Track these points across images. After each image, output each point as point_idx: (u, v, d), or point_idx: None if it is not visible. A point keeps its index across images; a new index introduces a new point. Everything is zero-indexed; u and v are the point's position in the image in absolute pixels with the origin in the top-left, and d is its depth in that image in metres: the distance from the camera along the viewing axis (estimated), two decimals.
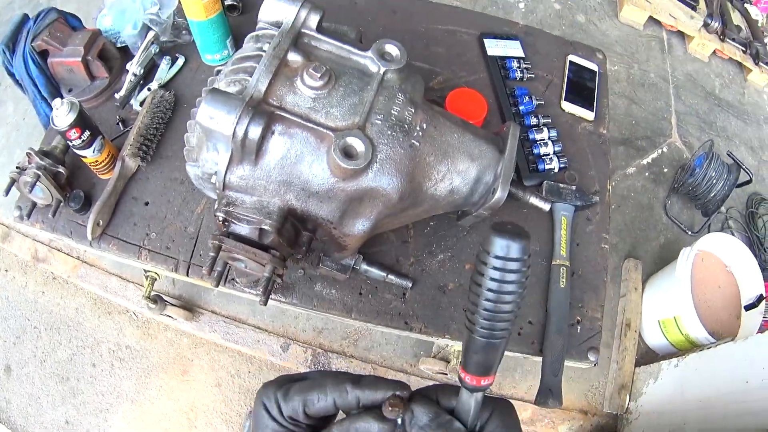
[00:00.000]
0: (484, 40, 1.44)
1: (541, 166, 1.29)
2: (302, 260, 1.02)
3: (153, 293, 1.71)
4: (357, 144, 0.84)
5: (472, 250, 1.22)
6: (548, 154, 1.31)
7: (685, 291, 1.83)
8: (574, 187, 1.27)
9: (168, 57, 1.38)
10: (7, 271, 2.18)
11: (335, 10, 1.46)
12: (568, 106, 1.41)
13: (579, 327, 1.19)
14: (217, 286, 0.97)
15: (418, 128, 0.93)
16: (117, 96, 1.31)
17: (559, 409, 1.97)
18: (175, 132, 1.29)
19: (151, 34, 1.35)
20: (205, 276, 0.94)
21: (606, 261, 1.27)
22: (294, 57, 0.90)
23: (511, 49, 1.44)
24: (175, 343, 2.08)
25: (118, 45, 1.40)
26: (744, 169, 2.12)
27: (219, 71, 1.05)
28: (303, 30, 0.95)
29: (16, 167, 1.16)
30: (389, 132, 0.88)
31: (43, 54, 1.32)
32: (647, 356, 2.09)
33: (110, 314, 2.11)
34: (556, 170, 1.30)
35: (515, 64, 1.41)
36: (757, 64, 2.84)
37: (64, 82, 1.36)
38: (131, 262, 1.21)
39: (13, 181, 1.17)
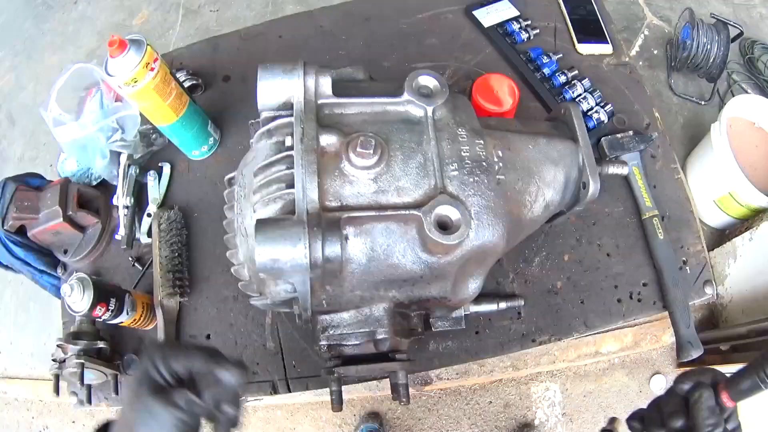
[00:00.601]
0: (473, 12, 1.20)
1: (591, 124, 1.07)
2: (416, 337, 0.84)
3: None
4: (449, 211, 0.63)
5: (564, 240, 1.02)
6: (592, 108, 1.09)
7: (732, 165, 1.65)
8: (630, 132, 1.07)
9: (152, 171, 1.15)
10: (74, 422, 1.99)
11: (303, 40, 1.25)
12: (584, 48, 1.17)
13: (687, 267, 1.02)
14: (340, 409, 0.79)
15: (495, 159, 0.72)
16: (118, 237, 1.11)
17: (656, 321, 1.83)
18: (200, 249, 1.09)
19: (124, 158, 1.12)
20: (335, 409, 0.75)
21: (686, 191, 1.08)
22: (327, 139, 0.67)
23: (504, 11, 1.19)
24: (271, 420, 1.89)
25: (94, 183, 1.18)
26: (732, 24, 1.91)
27: (231, 179, 0.84)
28: (320, 101, 0.72)
29: (53, 360, 0.99)
30: (471, 179, 0.68)
31: (21, 229, 1.10)
32: (715, 237, 1.90)
33: None
34: (606, 121, 1.08)
35: (516, 26, 1.17)
36: None
37: (54, 246, 1.14)
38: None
39: (57, 378, 1.00)
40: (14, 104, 2.62)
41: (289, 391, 0.97)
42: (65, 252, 1.14)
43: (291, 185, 0.65)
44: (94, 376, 1.00)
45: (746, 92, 2.04)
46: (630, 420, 0.68)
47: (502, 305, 0.95)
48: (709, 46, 1.89)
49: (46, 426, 2.05)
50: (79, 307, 0.90)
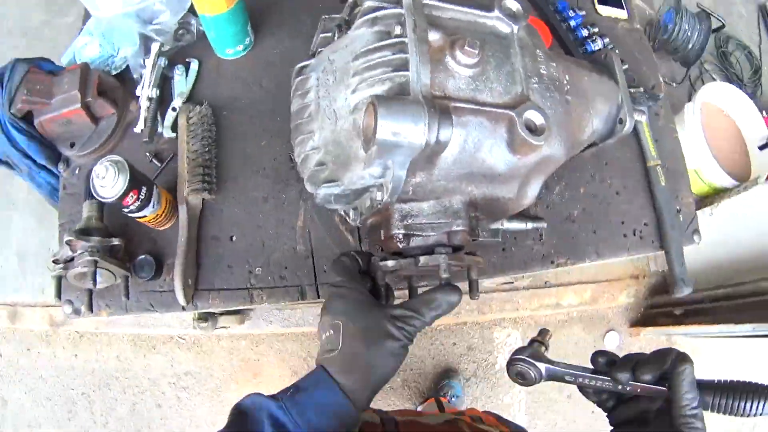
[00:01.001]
0: None
1: None
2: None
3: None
4: (536, 117, 0.74)
5: (581, 174, 1.19)
6: None
7: (701, 144, 1.91)
8: (642, 89, 1.27)
9: (180, 66, 1.17)
10: (29, 349, 1.98)
11: None
12: (603, 9, 1.34)
13: (680, 215, 1.23)
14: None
15: (565, 82, 0.84)
16: (136, 130, 1.12)
17: (614, 281, 2.10)
18: (228, 148, 1.13)
19: (156, 47, 1.13)
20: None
21: (681, 148, 1.28)
22: (433, 35, 0.76)
23: None
24: (234, 350, 1.97)
25: (114, 72, 1.18)
26: (715, 17, 2.19)
27: (303, 68, 0.93)
28: (425, 0, 0.80)
29: (54, 261, 0.96)
30: (548, 94, 0.80)
31: (27, 116, 1.07)
32: None
33: (155, 348, 1.97)
34: None
35: None
36: None
37: (61, 138, 1.12)
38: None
39: (60, 280, 0.99)
40: None
41: (318, 297, 1.05)
42: (72, 145, 1.11)
43: (399, 69, 0.73)
44: (102, 278, 0.97)
45: (715, 81, 2.35)
46: (597, 355, 0.71)
47: (530, 225, 1.10)
48: (689, 33, 2.15)
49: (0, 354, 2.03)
50: (111, 192, 0.88)
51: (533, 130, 0.76)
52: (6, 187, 2.07)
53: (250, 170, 1.12)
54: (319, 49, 0.96)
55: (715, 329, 1.75)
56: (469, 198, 0.82)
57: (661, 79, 1.32)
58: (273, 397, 0.65)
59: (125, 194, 0.89)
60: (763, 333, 1.63)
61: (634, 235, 1.18)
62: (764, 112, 2.15)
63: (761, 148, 2.02)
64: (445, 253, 0.80)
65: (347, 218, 0.96)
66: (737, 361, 1.96)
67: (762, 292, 1.72)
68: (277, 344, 1.97)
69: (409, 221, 0.81)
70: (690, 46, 2.19)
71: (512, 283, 1.86)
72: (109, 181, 0.87)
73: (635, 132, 1.24)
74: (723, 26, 2.24)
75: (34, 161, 1.13)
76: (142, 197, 0.93)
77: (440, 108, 0.71)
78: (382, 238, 0.83)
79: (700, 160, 1.94)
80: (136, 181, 0.91)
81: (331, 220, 1.09)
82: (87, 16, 1.25)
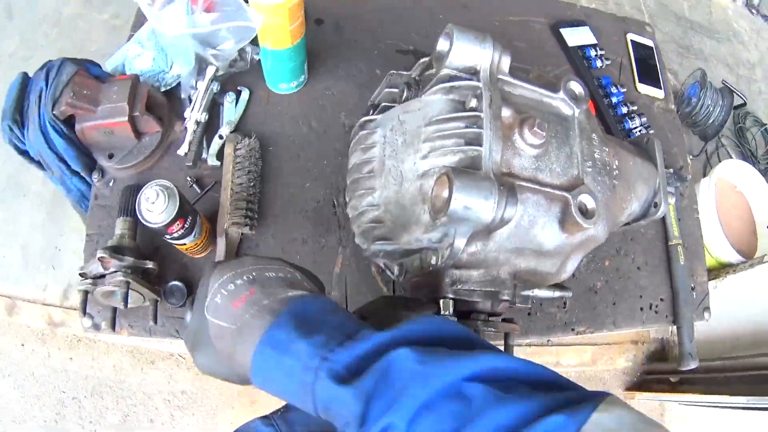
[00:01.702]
0: (561, 30, 1.40)
1: None
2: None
3: None
4: (588, 201, 0.81)
5: (607, 247, 1.25)
6: None
7: (713, 220, 1.99)
8: (671, 170, 1.30)
9: (231, 93, 1.18)
10: (23, 345, 1.93)
11: (402, 9, 1.37)
12: (643, 88, 1.41)
13: (694, 293, 1.29)
14: None
15: (614, 166, 0.91)
16: (180, 152, 1.12)
17: (614, 344, 2.16)
18: (273, 184, 1.14)
19: (211, 71, 1.14)
20: None
21: (701, 229, 1.35)
22: (505, 112, 0.81)
23: (585, 35, 1.41)
24: None
25: (163, 89, 1.18)
26: (738, 94, 2.29)
27: (369, 121, 0.95)
28: (499, 76, 0.86)
29: (81, 274, 0.94)
30: (599, 178, 0.86)
31: (68, 119, 1.05)
32: None
33: (153, 363, 1.94)
34: None
35: (593, 53, 1.38)
36: None
37: (99, 147, 1.09)
38: None
39: (86, 295, 0.96)
40: None
41: None
42: (110, 156, 1.09)
43: (471, 143, 0.78)
44: (131, 299, 0.95)
45: (731, 157, 2.44)
46: None
47: (557, 293, 1.15)
48: (711, 108, 2.25)
49: None
50: (158, 218, 0.87)
51: (584, 212, 0.82)
52: (20, 176, 2.05)
53: (291, 210, 1.13)
54: (383, 104, 1.00)
55: (709, 399, 1.81)
56: (515, 270, 0.87)
57: (689, 161, 1.39)
58: (265, 417, 0.69)
59: (172, 222, 0.88)
60: (755, 406, 1.69)
61: (650, 309, 1.24)
62: None
63: None
64: (482, 320, 0.86)
65: (387, 271, 1.00)
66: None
67: (757, 367, 1.78)
68: None
69: (458, 287, 0.85)
70: (711, 121, 2.28)
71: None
72: (158, 207, 0.86)
73: None
74: (744, 104, 2.34)
75: (68, 166, 1.11)
76: (187, 226, 0.93)
77: (507, 186, 0.77)
78: (428, 298, 0.87)
79: (710, 234, 2.01)
80: (184, 209, 0.90)
81: (368, 269, 1.12)
82: (138, 22, 1.27)
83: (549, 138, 0.83)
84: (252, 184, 1.10)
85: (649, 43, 1.49)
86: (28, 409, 1.88)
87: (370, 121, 0.96)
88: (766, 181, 2.16)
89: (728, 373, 1.82)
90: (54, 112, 1.02)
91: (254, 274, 0.57)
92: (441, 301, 0.84)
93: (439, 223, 0.77)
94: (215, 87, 1.18)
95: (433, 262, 0.84)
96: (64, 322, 1.92)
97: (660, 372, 2.05)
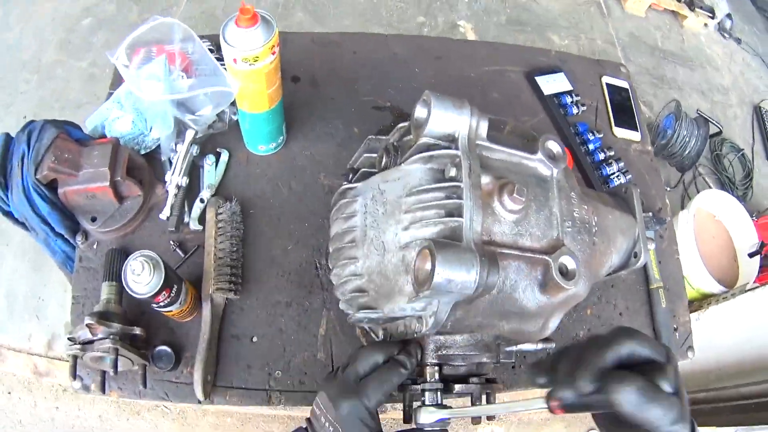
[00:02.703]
0: (536, 78, 1.43)
1: None
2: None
3: None
4: (569, 262, 0.82)
5: (589, 296, 1.23)
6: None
7: (692, 252, 2.03)
8: (650, 214, 1.33)
9: (211, 155, 1.19)
10: (10, 393, 1.94)
11: (377, 62, 1.40)
12: (619, 132, 1.44)
13: (677, 333, 1.30)
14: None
15: (593, 223, 0.92)
16: (162, 217, 1.12)
17: None
18: (255, 248, 1.15)
19: (190, 134, 1.16)
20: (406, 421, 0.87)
21: (682, 270, 1.37)
22: (485, 179, 0.82)
23: (560, 82, 1.44)
24: (220, 427, 1.95)
25: (143, 152, 1.20)
26: (713, 123, 2.35)
27: (347, 191, 0.97)
28: (477, 142, 0.87)
29: (69, 339, 0.95)
30: (579, 237, 0.87)
31: (51, 183, 1.06)
32: None
33: (139, 414, 1.94)
34: None
35: (569, 99, 1.41)
36: (692, 10, 3.05)
37: (82, 210, 1.10)
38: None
39: (75, 360, 0.98)
40: None
41: None
42: (93, 220, 1.10)
43: (451, 214, 0.79)
44: (120, 363, 0.96)
45: (709, 186, 2.49)
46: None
47: (540, 346, 1.17)
48: (688, 139, 2.30)
49: None
50: (144, 289, 0.87)
51: (565, 274, 0.83)
52: (3, 225, 2.06)
53: (274, 273, 1.14)
54: (362, 169, 1.02)
55: None
56: (500, 332, 0.88)
57: (668, 202, 1.42)
58: None
59: (158, 293, 0.89)
60: None
61: None
62: (755, 216, 2.29)
63: (751, 255, 2.14)
64: (479, 384, 0.87)
65: (371, 333, 1.01)
66: None
67: (744, 397, 1.81)
68: (263, 425, 1.95)
69: (443, 352, 0.86)
70: (687, 152, 2.33)
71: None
72: (144, 279, 0.87)
73: None
74: (720, 132, 2.40)
75: (52, 228, 1.12)
76: (173, 295, 0.94)
77: (489, 255, 0.78)
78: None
79: (690, 266, 2.05)
80: (169, 279, 0.91)
81: (352, 330, 1.13)
82: (117, 80, 1.27)
83: (528, 202, 0.85)
84: (235, 248, 1.11)
85: (624, 84, 1.53)
86: None
87: (350, 189, 0.96)
88: (745, 208, 2.21)
89: (715, 404, 1.85)
90: (37, 177, 1.03)
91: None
92: (426, 370, 0.85)
93: (422, 295, 0.78)
94: (195, 150, 1.19)
95: (416, 329, 0.85)
96: (50, 372, 1.93)
97: None
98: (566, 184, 0.93)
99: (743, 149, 2.64)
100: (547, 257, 0.82)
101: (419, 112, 0.90)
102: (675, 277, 1.36)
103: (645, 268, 1.32)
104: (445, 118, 0.86)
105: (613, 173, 1.36)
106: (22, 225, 1.15)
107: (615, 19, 3.00)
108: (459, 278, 0.73)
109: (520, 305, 0.85)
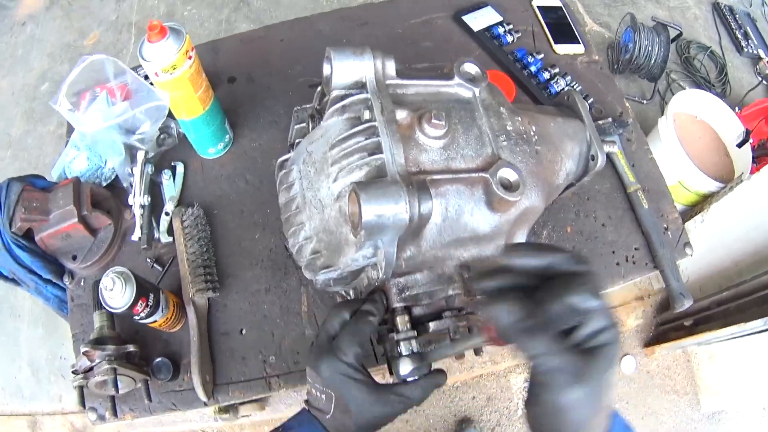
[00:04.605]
0: (463, 17, 1.40)
1: None
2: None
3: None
4: (509, 174, 0.79)
5: (565, 214, 1.22)
6: None
7: (680, 155, 1.96)
8: (610, 119, 1.30)
9: (166, 170, 1.22)
10: None
11: (304, 43, 1.39)
12: (560, 48, 1.40)
13: (669, 233, 1.26)
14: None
15: (532, 133, 0.89)
16: (134, 238, 1.15)
17: (620, 306, 2.12)
18: (224, 245, 1.17)
19: (141, 155, 1.18)
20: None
21: (658, 168, 1.32)
22: (400, 114, 0.81)
23: (489, 16, 1.41)
24: None
25: (104, 183, 1.23)
26: (672, 26, 2.27)
27: (284, 162, 0.98)
28: (387, 81, 0.86)
29: (73, 371, 0.99)
30: (518, 149, 0.84)
31: (27, 233, 1.10)
32: None
33: None
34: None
35: (501, 29, 1.38)
36: None
37: (61, 252, 1.14)
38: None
39: (82, 389, 1.01)
40: None
41: None
42: (74, 258, 1.13)
43: (374, 153, 0.77)
44: (123, 384, 0.99)
45: (684, 89, 2.42)
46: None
47: None
48: (650, 48, 2.23)
49: None
50: (120, 302, 0.90)
51: (508, 186, 0.80)
52: (10, 299, 2.12)
53: (248, 264, 1.15)
54: (297, 140, 1.00)
55: (727, 332, 1.76)
56: (460, 262, 0.85)
57: (626, 103, 1.37)
58: None
59: (134, 303, 0.92)
60: None
61: (627, 261, 1.21)
62: (737, 108, 2.21)
63: (739, 145, 2.07)
64: (452, 317, 0.83)
65: (348, 298, 0.99)
66: (755, 360, 1.96)
67: (765, 286, 1.74)
68: None
69: (407, 293, 0.83)
70: (653, 61, 2.26)
71: None
72: (117, 293, 0.90)
73: (610, 161, 1.28)
74: (681, 34, 2.32)
75: (40, 276, 1.16)
76: (151, 304, 0.96)
77: (417, 184, 0.75)
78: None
79: (682, 170, 1.98)
80: (143, 288, 0.94)
81: (333, 300, 1.11)
82: (71, 128, 1.30)
83: (452, 125, 0.83)
84: (205, 249, 1.13)
85: (556, 3, 1.48)
86: None
87: (285, 160, 0.97)
88: (727, 104, 2.13)
89: (739, 300, 1.78)
90: (12, 230, 1.08)
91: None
92: (397, 320, 0.82)
93: (362, 239, 0.75)
94: (149, 169, 1.21)
95: (374, 276, 0.83)
96: (86, 427, 1.97)
97: (673, 320, 2.00)
98: (493, 102, 0.91)
99: (710, 46, 2.55)
100: (483, 173, 0.80)
101: (325, 69, 0.88)
102: (653, 176, 1.31)
103: (618, 173, 1.27)
104: (347, 67, 0.86)
105: (562, 89, 1.33)
106: (12, 281, 1.19)
107: None
108: (389, 212, 0.72)
109: (472, 229, 0.83)
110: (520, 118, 0.90)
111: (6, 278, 1.17)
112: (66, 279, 1.17)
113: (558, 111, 1.06)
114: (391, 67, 0.87)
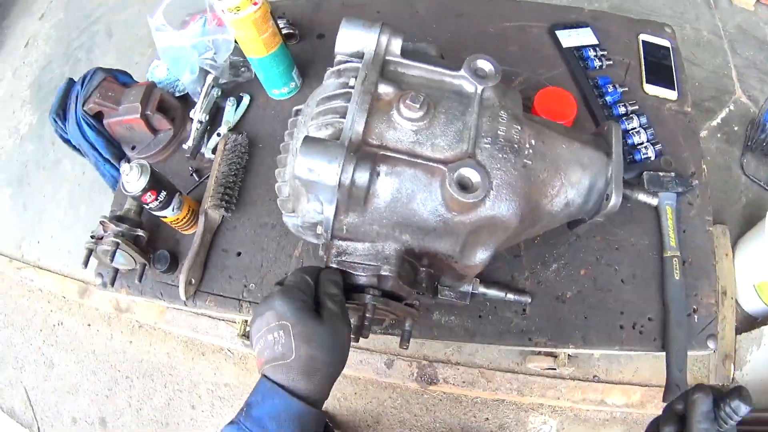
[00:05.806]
0: (557, 32, 1.30)
1: (637, 157, 1.15)
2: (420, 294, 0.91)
3: (247, 330, 1.58)
4: (471, 174, 0.73)
5: (585, 255, 1.10)
6: (642, 143, 1.17)
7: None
8: (673, 174, 1.13)
9: (232, 98, 1.29)
10: (90, 325, 2.10)
11: (397, 21, 1.36)
12: (650, 89, 1.25)
13: (696, 316, 1.06)
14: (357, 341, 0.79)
15: (527, 146, 0.80)
16: (185, 146, 1.24)
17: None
18: (255, 176, 1.22)
19: (210, 78, 1.27)
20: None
21: (713, 244, 1.12)
22: (385, 89, 0.78)
23: (585, 37, 1.29)
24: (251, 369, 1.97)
25: (177, 94, 1.33)
26: None
27: (298, 110, 0.96)
28: (387, 57, 0.84)
29: (91, 236, 1.09)
30: (500, 155, 0.76)
31: (98, 116, 1.23)
32: (746, 323, 1.88)
33: (204, 354, 2.01)
34: (652, 158, 1.16)
35: (592, 53, 1.26)
36: None
37: (124, 140, 1.27)
38: (232, 316, 1.14)
39: (90, 252, 1.09)
40: (115, 19, 2.83)
41: None
42: (133, 148, 1.27)
43: (343, 116, 0.76)
44: (124, 260, 1.09)
45: None
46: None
47: (510, 296, 1.03)
48: None
49: (61, 322, 2.18)
50: (133, 187, 0.98)
51: (466, 187, 0.74)
52: (77, 176, 2.30)
53: (267, 198, 1.20)
54: None
55: None
56: (404, 247, 0.81)
57: (704, 168, 1.18)
58: (231, 422, 0.68)
59: (144, 192, 0.99)
60: None
61: (633, 328, 1.06)
62: None
63: None
64: (372, 295, 0.78)
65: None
66: None
67: None
68: None
69: (343, 258, 0.81)
70: None
71: (555, 369, 1.68)
72: (133, 179, 0.98)
73: (658, 219, 1.11)
74: None
75: (101, 154, 1.29)
76: (161, 199, 1.03)
77: (364, 153, 0.73)
78: None
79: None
80: (158, 184, 1.01)
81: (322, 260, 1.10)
82: None
83: (435, 113, 0.78)
84: (234, 173, 1.19)
85: (665, 43, 1.32)
86: (83, 383, 2.06)
87: (298, 109, 0.97)
88: None
89: None
90: (84, 109, 1.22)
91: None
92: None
93: (298, 187, 0.72)
94: (216, 92, 1.30)
95: (320, 232, 0.82)
96: (130, 309, 2.10)
97: None
98: (497, 103, 0.84)
99: None
100: (442, 166, 0.75)
101: (338, 36, 0.88)
102: (701, 250, 1.13)
103: (661, 233, 1.09)
104: (353, 36, 0.86)
105: (634, 128, 1.18)
106: (78, 151, 1.34)
107: (722, 11, 2.59)
108: (319, 169, 0.71)
109: (421, 218, 0.78)
110: (519, 128, 0.82)
111: (74, 147, 1.31)
112: (123, 163, 1.27)
113: (590, 139, 0.94)
114: (396, 45, 0.85)
